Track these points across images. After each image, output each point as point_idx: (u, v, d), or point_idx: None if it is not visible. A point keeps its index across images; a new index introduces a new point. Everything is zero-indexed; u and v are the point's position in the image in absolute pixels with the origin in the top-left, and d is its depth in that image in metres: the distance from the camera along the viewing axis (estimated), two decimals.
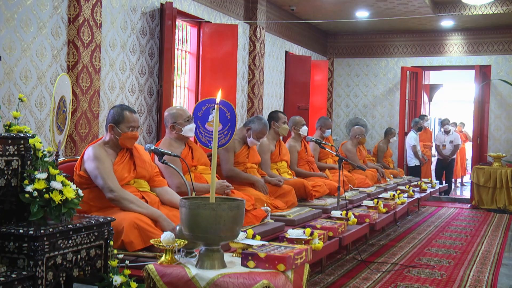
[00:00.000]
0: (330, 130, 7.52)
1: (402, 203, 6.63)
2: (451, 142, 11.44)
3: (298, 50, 10.57)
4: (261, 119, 5.33)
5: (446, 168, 11.54)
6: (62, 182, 2.61)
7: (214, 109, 4.67)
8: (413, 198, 7.50)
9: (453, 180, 12.29)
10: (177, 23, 6.91)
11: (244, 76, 8.52)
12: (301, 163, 6.61)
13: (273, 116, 6.09)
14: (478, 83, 10.98)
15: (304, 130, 6.62)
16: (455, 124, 13.45)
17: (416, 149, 10.49)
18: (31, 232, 2.39)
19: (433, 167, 12.16)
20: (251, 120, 5.34)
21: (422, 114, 11.58)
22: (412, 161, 10.59)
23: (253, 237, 3.14)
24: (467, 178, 13.48)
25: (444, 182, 11.25)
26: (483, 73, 11.08)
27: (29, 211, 2.53)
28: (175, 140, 4.42)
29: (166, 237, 2.62)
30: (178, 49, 7.22)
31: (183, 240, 2.65)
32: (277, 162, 5.97)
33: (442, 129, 11.55)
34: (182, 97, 7.48)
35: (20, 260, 2.40)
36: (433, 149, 11.94)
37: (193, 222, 2.43)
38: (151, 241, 2.71)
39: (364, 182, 7.63)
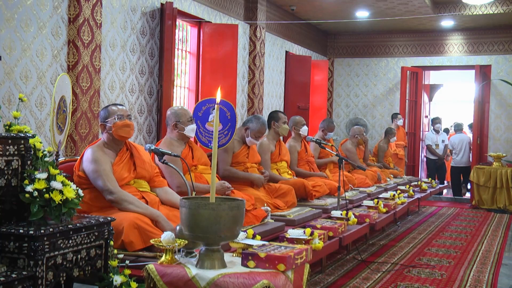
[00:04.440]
0: (332, 134, 7.52)
1: (402, 203, 6.63)
2: (443, 141, 11.46)
3: (298, 50, 10.57)
4: (259, 118, 5.33)
5: (440, 169, 11.54)
6: (62, 182, 2.61)
7: (214, 109, 4.67)
8: (413, 198, 7.50)
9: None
10: (177, 23, 6.91)
11: (244, 76, 8.52)
12: (301, 163, 6.61)
13: (273, 116, 6.09)
14: (478, 83, 10.98)
15: (304, 130, 6.62)
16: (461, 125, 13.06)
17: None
18: (31, 232, 2.39)
19: (424, 167, 12.19)
20: (249, 120, 5.34)
21: (395, 112, 11.13)
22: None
23: (253, 237, 3.14)
24: None
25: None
26: (483, 73, 11.07)
27: (29, 211, 2.53)
28: (176, 139, 4.42)
29: (166, 237, 2.62)
30: (178, 49, 7.22)
31: (183, 240, 2.65)
32: (277, 162, 5.97)
33: (433, 128, 11.52)
34: (182, 97, 7.48)
35: (20, 260, 2.40)
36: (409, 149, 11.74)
37: (193, 222, 2.43)
38: (151, 241, 2.71)
39: (364, 182, 7.62)
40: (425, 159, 11.95)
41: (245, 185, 5.12)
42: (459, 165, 10.98)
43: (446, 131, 12.91)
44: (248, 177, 5.16)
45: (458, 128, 11.40)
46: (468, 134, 12.01)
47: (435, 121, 11.56)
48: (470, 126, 12.09)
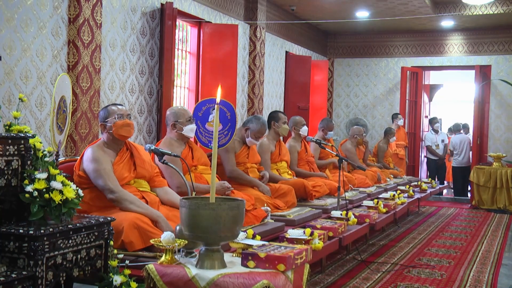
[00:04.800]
0: (332, 133, 7.52)
1: (402, 203, 6.63)
2: (442, 141, 11.46)
3: (298, 50, 10.57)
4: (259, 118, 5.32)
5: (440, 169, 11.53)
6: (62, 182, 2.61)
7: (214, 109, 4.67)
8: (413, 198, 7.50)
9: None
10: (177, 23, 6.91)
11: (244, 76, 8.53)
12: (301, 163, 6.61)
13: (273, 116, 6.09)
14: (478, 83, 10.98)
15: (304, 130, 6.61)
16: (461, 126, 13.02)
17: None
18: (31, 232, 2.39)
19: (424, 168, 12.20)
20: (249, 120, 5.34)
21: (395, 112, 11.11)
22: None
23: (253, 237, 3.14)
24: None
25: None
26: (483, 73, 11.07)
27: (29, 211, 2.53)
28: (176, 139, 4.42)
29: (166, 237, 2.62)
30: (178, 49, 7.22)
31: (183, 240, 2.65)
32: (277, 162, 5.97)
33: (432, 129, 11.53)
34: (182, 97, 7.48)
35: (20, 260, 2.40)
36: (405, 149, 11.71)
37: (193, 222, 2.43)
38: (151, 241, 2.71)
39: (364, 182, 7.62)
40: (425, 159, 11.95)
41: (245, 185, 5.12)
42: (460, 165, 11.02)
43: (451, 130, 12.90)
44: (253, 182, 5.15)
45: (456, 128, 11.39)
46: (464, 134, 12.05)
47: (433, 121, 11.57)
48: (464, 126, 12.10)
